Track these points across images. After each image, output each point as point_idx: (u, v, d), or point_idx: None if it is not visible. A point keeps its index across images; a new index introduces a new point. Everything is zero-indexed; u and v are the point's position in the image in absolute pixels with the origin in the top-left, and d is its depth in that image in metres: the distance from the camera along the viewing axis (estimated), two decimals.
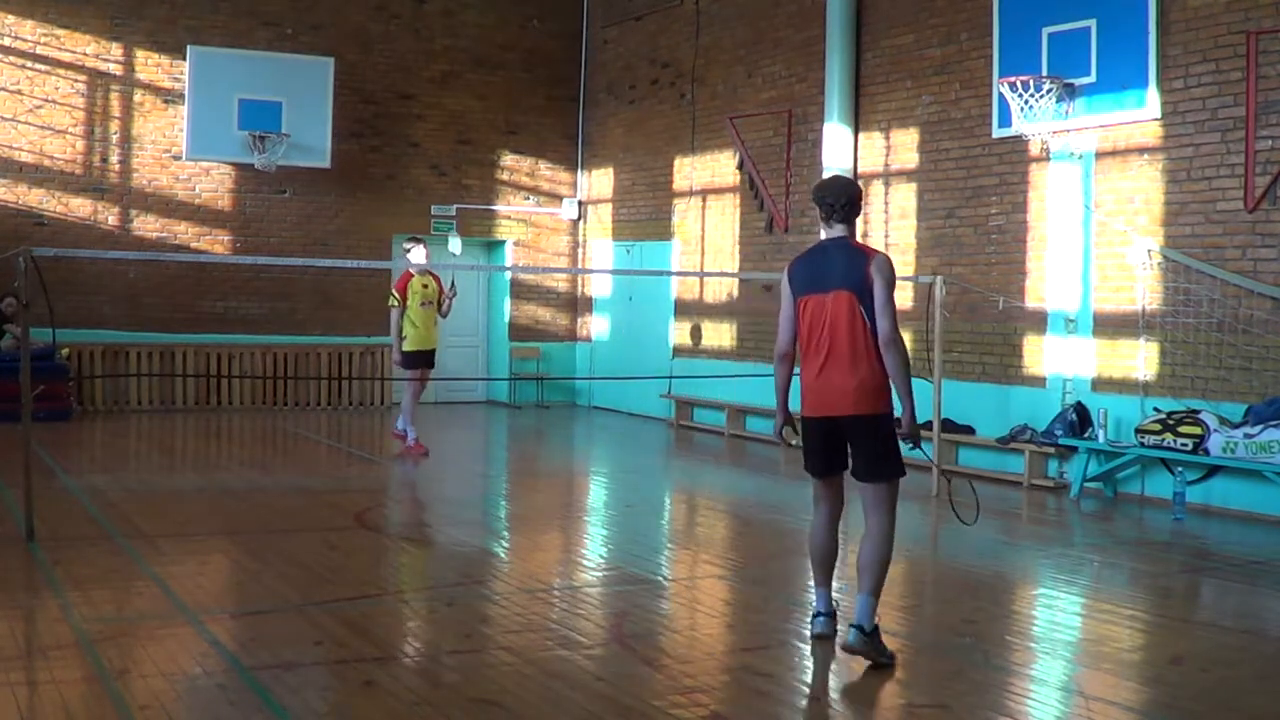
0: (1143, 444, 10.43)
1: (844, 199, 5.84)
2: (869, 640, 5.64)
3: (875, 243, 13.66)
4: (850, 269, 5.70)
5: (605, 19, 18.50)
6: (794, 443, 6.15)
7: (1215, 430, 9.89)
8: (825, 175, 5.91)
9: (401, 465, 12.47)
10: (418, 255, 12.55)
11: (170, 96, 16.61)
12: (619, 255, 18.17)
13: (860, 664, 6.02)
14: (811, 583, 6.17)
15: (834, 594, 6.06)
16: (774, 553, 8.73)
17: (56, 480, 10.53)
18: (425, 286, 12.68)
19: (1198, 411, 10.14)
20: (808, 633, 6.08)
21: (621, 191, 18.15)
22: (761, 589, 7.44)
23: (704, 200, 16.37)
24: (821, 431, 5.85)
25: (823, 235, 5.96)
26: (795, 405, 6.13)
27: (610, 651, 6.01)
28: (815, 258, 5.86)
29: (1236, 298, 10.17)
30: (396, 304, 12.57)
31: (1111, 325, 11.19)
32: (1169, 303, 10.67)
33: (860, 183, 13.78)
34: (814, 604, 6.09)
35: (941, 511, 10.21)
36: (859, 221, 14.00)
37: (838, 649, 5.81)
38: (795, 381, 6.08)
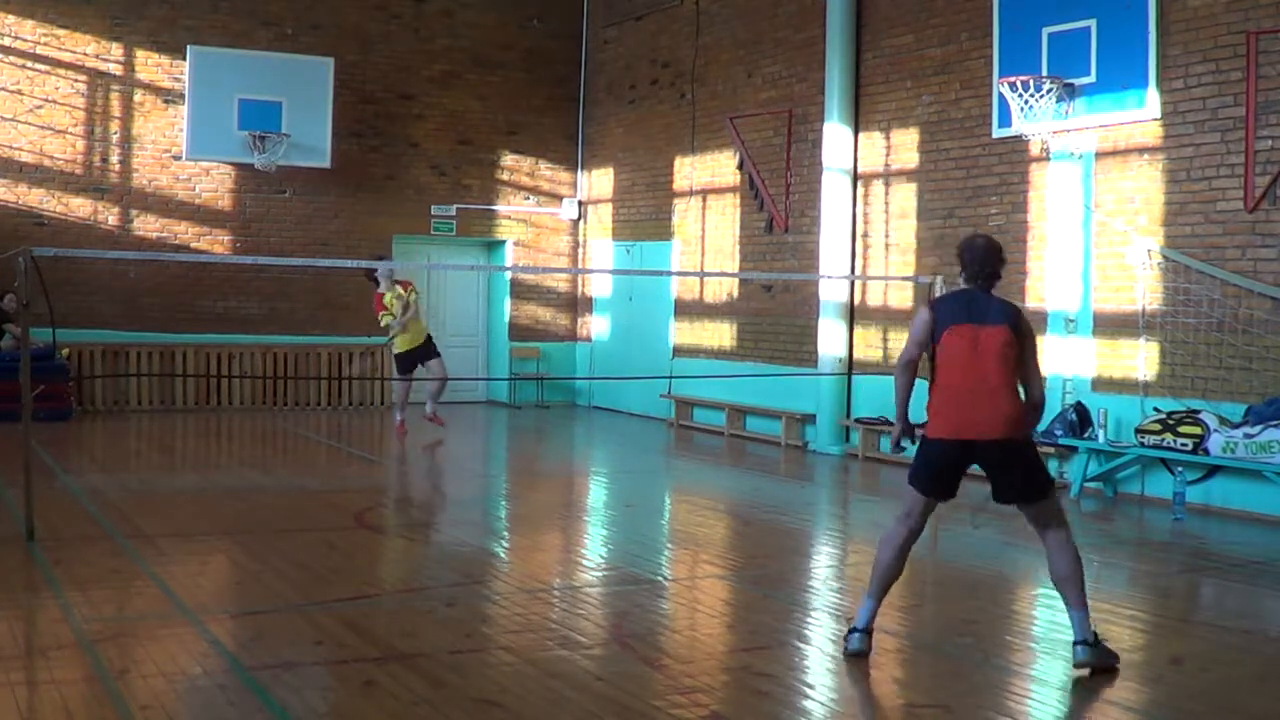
0: (1143, 444, 10.43)
1: (999, 269, 6.02)
2: (1097, 650, 5.63)
3: (875, 242, 13.68)
4: (1006, 311, 5.89)
5: (605, 19, 18.50)
6: (905, 450, 6.12)
7: (1215, 430, 9.89)
8: (966, 236, 6.06)
9: (408, 461, 12.48)
10: (383, 272, 13.41)
11: (170, 96, 16.61)
12: (619, 255, 18.17)
13: (860, 664, 6.02)
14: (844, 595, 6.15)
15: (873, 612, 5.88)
16: (774, 553, 8.73)
17: (56, 480, 10.54)
18: (397, 298, 13.47)
19: (1198, 411, 10.15)
20: (807, 632, 6.06)
21: (621, 191, 18.15)
22: (761, 589, 7.44)
23: (704, 200, 16.37)
24: (954, 454, 5.78)
25: (960, 283, 6.05)
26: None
27: (610, 651, 6.01)
28: (963, 298, 5.97)
29: (1236, 298, 10.17)
30: (390, 318, 13.48)
31: (1111, 325, 11.20)
32: (1169, 303, 10.67)
33: (860, 183, 13.81)
34: (856, 619, 5.85)
35: (941, 511, 10.21)
36: (861, 221, 13.98)
37: (1075, 667, 5.64)
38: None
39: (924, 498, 5.88)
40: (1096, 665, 5.63)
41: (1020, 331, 5.85)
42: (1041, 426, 11.38)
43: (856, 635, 5.81)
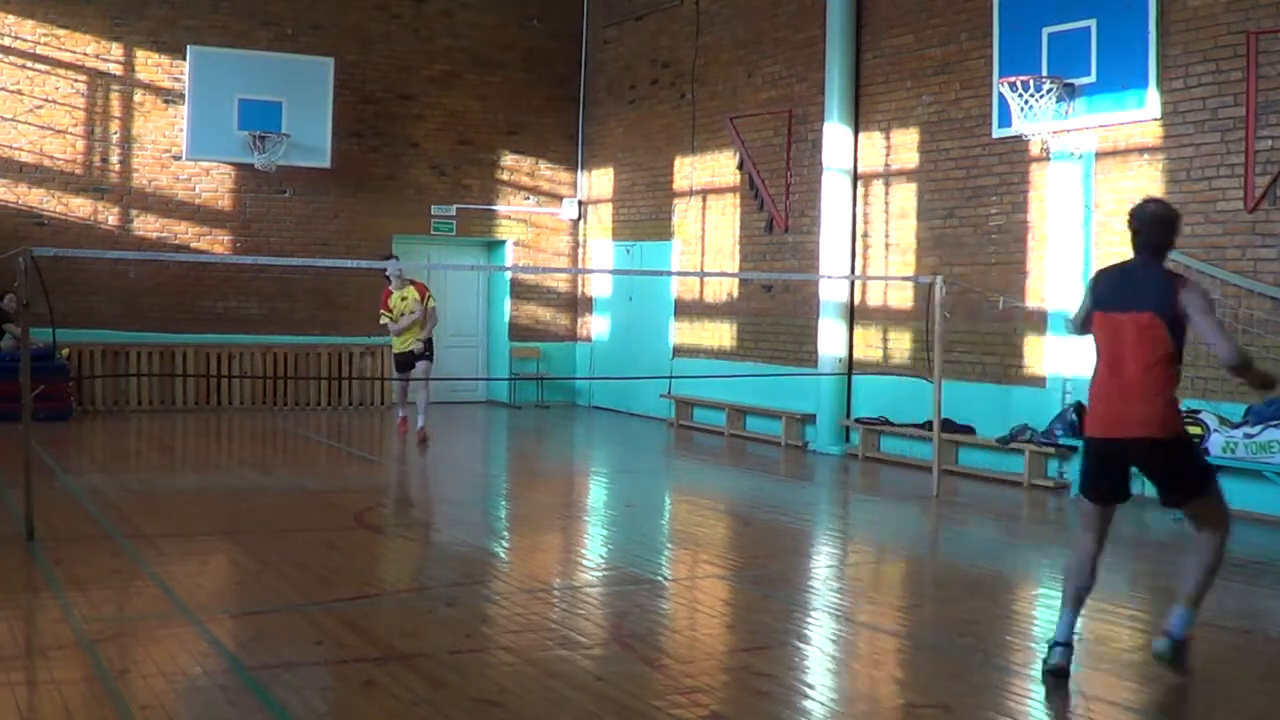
0: None
1: (1173, 236, 5.65)
2: (1181, 650, 5.54)
3: (875, 242, 13.68)
4: (1160, 292, 5.48)
5: (605, 19, 18.50)
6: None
7: (1215, 430, 9.89)
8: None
9: (408, 461, 12.47)
10: (393, 271, 13.54)
11: (170, 96, 16.61)
12: (619, 255, 18.17)
13: (860, 664, 6.02)
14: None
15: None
16: (774, 553, 8.73)
17: (56, 480, 10.53)
18: (404, 299, 13.73)
19: (1198, 411, 10.14)
20: (807, 632, 6.05)
21: (621, 191, 18.15)
22: (761, 589, 7.44)
23: (704, 200, 16.37)
24: (1114, 456, 5.61)
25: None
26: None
27: (610, 651, 6.01)
28: (1118, 277, 5.68)
29: (1236, 298, 10.17)
30: (389, 319, 13.74)
31: None
32: None
33: (860, 183, 13.81)
34: (1055, 632, 5.62)
35: (941, 511, 10.21)
36: (861, 221, 13.95)
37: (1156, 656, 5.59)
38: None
39: (1093, 505, 5.75)
40: (1173, 665, 5.54)
41: (1173, 313, 5.44)
42: (1042, 426, 11.39)
43: (1060, 650, 5.52)
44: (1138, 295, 5.50)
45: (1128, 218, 5.70)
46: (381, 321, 13.91)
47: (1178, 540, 9.26)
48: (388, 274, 13.66)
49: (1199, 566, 5.61)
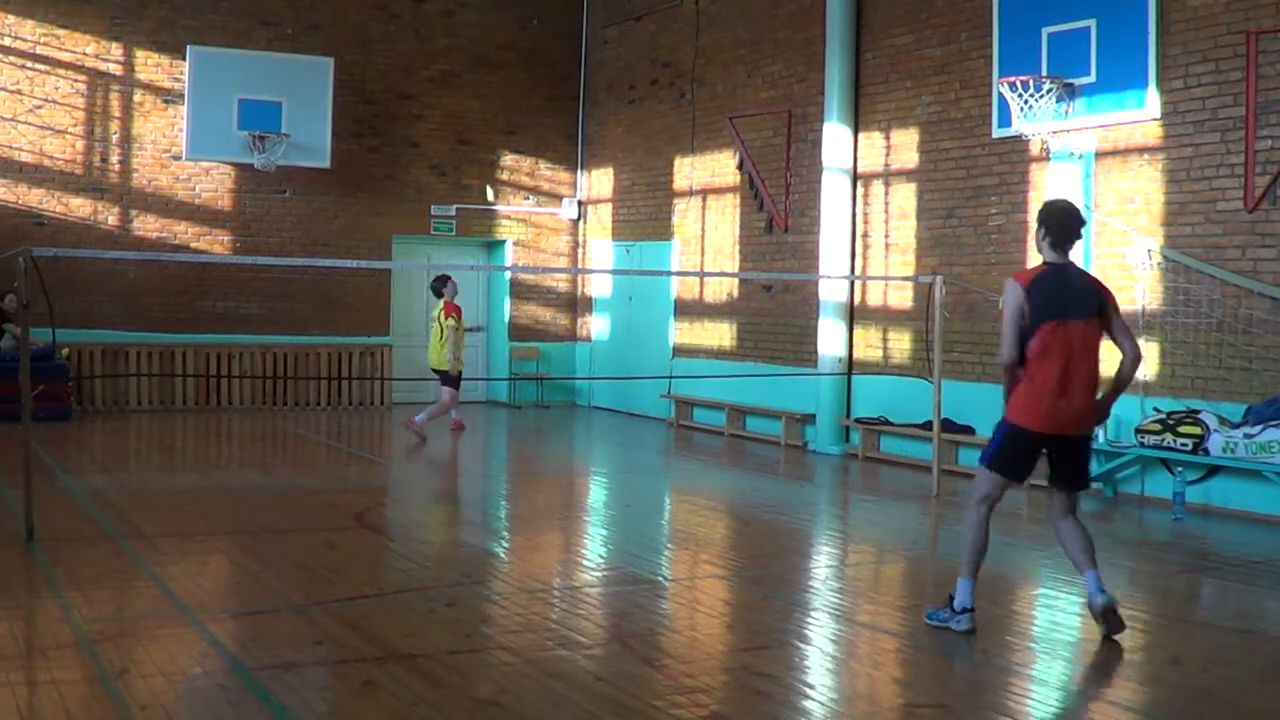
0: (1143, 444, 10.43)
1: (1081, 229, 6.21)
2: (1114, 606, 6.10)
3: (875, 242, 13.68)
4: (1093, 298, 6.06)
5: (605, 19, 18.50)
6: None
7: (1215, 430, 9.89)
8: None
9: (408, 461, 12.46)
10: (454, 291, 14.11)
11: (170, 96, 16.61)
12: (619, 255, 18.17)
13: (860, 664, 6.02)
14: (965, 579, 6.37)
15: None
16: (774, 553, 8.72)
17: (56, 480, 10.53)
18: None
19: (1198, 411, 10.15)
20: (807, 632, 6.04)
21: (621, 191, 18.16)
22: (761, 589, 7.44)
23: (704, 200, 16.37)
24: (1041, 446, 6.16)
25: (1050, 259, 6.17)
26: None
27: (610, 651, 6.01)
28: (1054, 283, 6.06)
29: (1236, 298, 10.17)
30: (457, 324, 13.95)
31: None
32: (1169, 303, 10.67)
33: (860, 183, 13.82)
34: (966, 600, 6.26)
35: (941, 511, 10.21)
36: (861, 221, 14.00)
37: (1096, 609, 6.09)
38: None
39: (1009, 482, 6.38)
40: (1114, 609, 6.04)
41: (1104, 314, 6.12)
42: None
43: (971, 614, 6.20)
44: (1083, 302, 6.01)
45: (1045, 219, 6.17)
46: (453, 325, 13.90)
47: (1178, 540, 9.27)
48: (450, 291, 14.04)
49: (1080, 542, 6.19)
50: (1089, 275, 6.26)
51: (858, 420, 13.51)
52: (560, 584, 7.54)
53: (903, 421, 12.92)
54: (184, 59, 16.34)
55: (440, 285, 14.18)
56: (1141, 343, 10.81)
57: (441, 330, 13.89)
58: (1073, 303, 5.98)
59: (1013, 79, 11.29)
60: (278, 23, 17.18)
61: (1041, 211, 6.26)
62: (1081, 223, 6.16)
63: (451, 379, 13.96)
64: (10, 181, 15.99)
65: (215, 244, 16.91)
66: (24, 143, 16.04)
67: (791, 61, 14.88)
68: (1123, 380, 6.14)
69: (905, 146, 13.33)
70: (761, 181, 15.14)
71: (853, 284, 13.85)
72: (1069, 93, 11.23)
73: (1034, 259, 11.91)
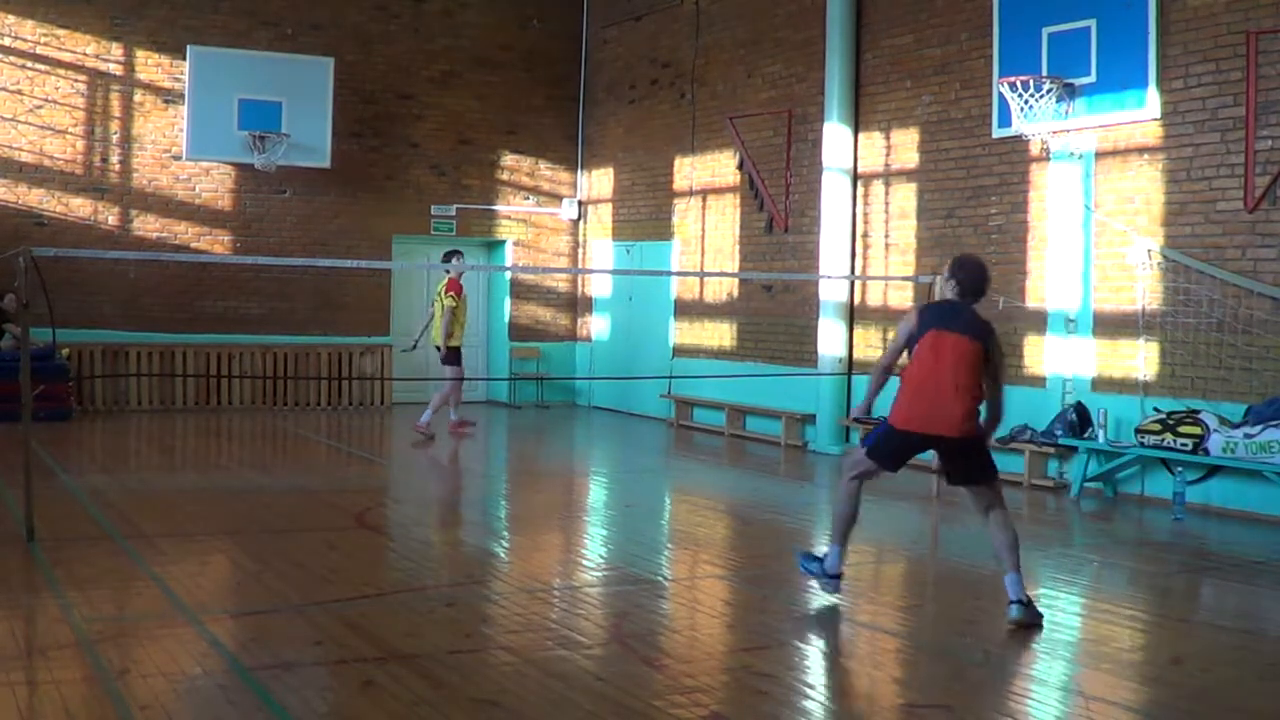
0: (1143, 444, 10.43)
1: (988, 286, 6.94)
2: (1029, 610, 6.43)
3: (875, 242, 13.69)
4: (979, 326, 6.70)
5: (605, 19, 18.50)
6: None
7: (1215, 430, 9.89)
8: (959, 254, 7.42)
9: (408, 461, 12.46)
10: (460, 267, 14.02)
11: (170, 96, 16.61)
12: (619, 255, 18.17)
13: (860, 664, 6.03)
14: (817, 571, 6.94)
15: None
16: (774, 553, 8.71)
17: (56, 480, 10.53)
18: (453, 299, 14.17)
19: (1198, 411, 10.14)
20: (807, 632, 6.06)
21: (621, 191, 18.16)
22: (761, 589, 7.44)
23: (704, 200, 16.37)
24: (915, 442, 6.75)
25: (951, 298, 6.87)
26: None
27: (610, 651, 6.01)
28: (946, 309, 6.83)
29: (1236, 298, 10.17)
30: (454, 303, 13.96)
31: (1111, 325, 11.20)
32: (1169, 303, 10.67)
33: (860, 183, 13.83)
34: (832, 566, 6.90)
35: (941, 511, 10.21)
36: (861, 221, 14.00)
37: (1010, 623, 6.42)
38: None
39: (882, 469, 6.95)
40: (1027, 622, 6.37)
41: (988, 344, 6.69)
42: (1042, 426, 11.40)
43: (838, 580, 6.87)
44: (969, 325, 6.65)
45: (958, 272, 6.85)
46: (449, 303, 13.97)
47: (1178, 540, 9.27)
48: (455, 268, 14.01)
49: (1012, 537, 6.62)
50: (983, 318, 6.79)
51: (857, 420, 13.51)
52: (560, 584, 7.54)
53: None
54: (184, 59, 16.34)
55: (449, 256, 14.25)
56: (1141, 342, 10.89)
57: (441, 307, 14.03)
58: (957, 321, 6.64)
59: (1013, 79, 11.29)
60: (278, 23, 17.18)
61: (956, 264, 6.89)
62: (988, 284, 6.92)
63: (451, 356, 14.04)
64: (10, 181, 15.98)
65: (215, 244, 16.91)
66: (24, 143, 16.04)
67: (791, 61, 14.88)
68: (993, 413, 6.76)
69: (905, 146, 13.33)
70: (761, 181, 15.15)
71: (853, 284, 13.85)
72: (1069, 93, 11.23)
73: (1033, 258, 11.94)
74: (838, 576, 6.85)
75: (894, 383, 6.91)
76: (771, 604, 7.08)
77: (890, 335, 13.50)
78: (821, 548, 7.25)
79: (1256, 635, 6.70)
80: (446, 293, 14.05)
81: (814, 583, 6.98)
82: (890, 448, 6.81)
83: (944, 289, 6.95)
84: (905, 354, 6.88)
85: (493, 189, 18.63)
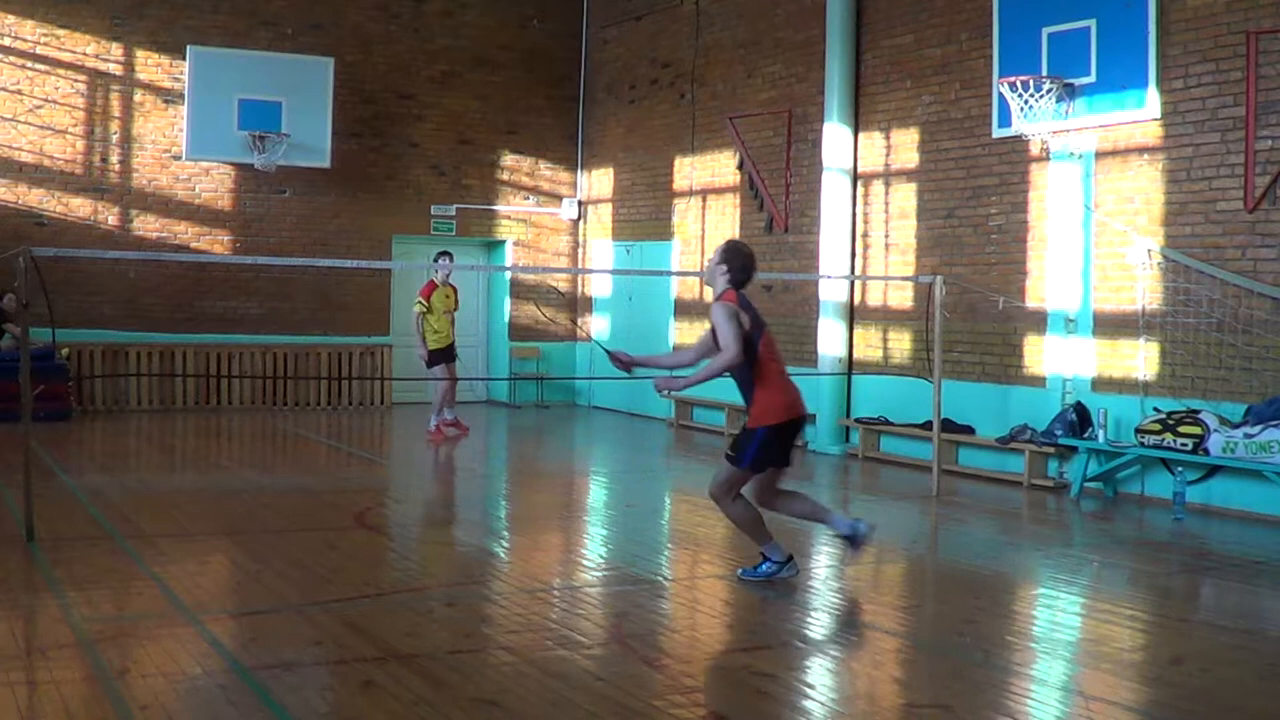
0: (1143, 444, 10.43)
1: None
2: (859, 536, 7.38)
3: (875, 242, 13.69)
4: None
5: (605, 19, 18.50)
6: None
7: (1215, 430, 9.89)
8: (734, 241, 7.82)
9: (408, 461, 12.46)
10: (445, 267, 14.10)
11: (170, 96, 16.61)
12: (619, 255, 18.17)
13: (860, 664, 6.03)
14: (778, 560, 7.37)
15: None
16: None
17: (56, 480, 10.53)
18: (447, 297, 14.30)
19: (1198, 411, 10.14)
20: (807, 632, 6.07)
21: (621, 191, 18.16)
22: (761, 589, 7.44)
23: (704, 200, 16.37)
24: (793, 430, 7.36)
25: (721, 283, 7.32)
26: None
27: (610, 651, 6.01)
28: (748, 302, 7.32)
29: (1236, 298, 10.17)
30: (423, 309, 14.10)
31: (1111, 325, 11.20)
32: (1169, 303, 10.67)
33: (860, 183, 13.83)
34: (778, 553, 7.39)
35: (941, 511, 10.22)
36: (861, 221, 13.99)
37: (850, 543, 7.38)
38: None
39: (776, 470, 7.41)
40: (866, 536, 7.37)
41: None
42: (1042, 426, 11.40)
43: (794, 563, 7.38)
44: (759, 313, 7.31)
45: (732, 258, 7.26)
46: (416, 309, 14.17)
47: (1178, 540, 9.27)
48: (439, 269, 14.12)
49: (807, 501, 7.55)
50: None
51: (858, 420, 13.51)
52: (560, 584, 7.54)
53: (903, 421, 12.92)
54: (184, 59, 16.34)
55: (438, 258, 14.28)
56: (1141, 342, 10.89)
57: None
58: (759, 312, 7.31)
59: (1013, 79, 11.29)
60: (278, 23, 17.18)
61: (729, 251, 7.28)
62: (755, 269, 7.35)
63: (433, 358, 14.19)
64: (10, 181, 15.98)
65: (215, 244, 16.91)
66: (24, 143, 16.04)
67: (791, 61, 14.88)
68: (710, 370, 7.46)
69: (905, 146, 13.33)
70: (761, 181, 15.15)
71: (853, 284, 13.85)
72: (1069, 93, 11.23)
73: (1033, 258, 11.93)
74: (789, 559, 7.32)
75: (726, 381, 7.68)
76: (771, 604, 7.08)
77: (890, 335, 13.53)
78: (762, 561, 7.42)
79: (1256, 635, 6.70)
80: (417, 296, 14.29)
81: (792, 582, 7.31)
82: (774, 449, 7.24)
83: (715, 276, 7.29)
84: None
85: (493, 189, 18.63)
